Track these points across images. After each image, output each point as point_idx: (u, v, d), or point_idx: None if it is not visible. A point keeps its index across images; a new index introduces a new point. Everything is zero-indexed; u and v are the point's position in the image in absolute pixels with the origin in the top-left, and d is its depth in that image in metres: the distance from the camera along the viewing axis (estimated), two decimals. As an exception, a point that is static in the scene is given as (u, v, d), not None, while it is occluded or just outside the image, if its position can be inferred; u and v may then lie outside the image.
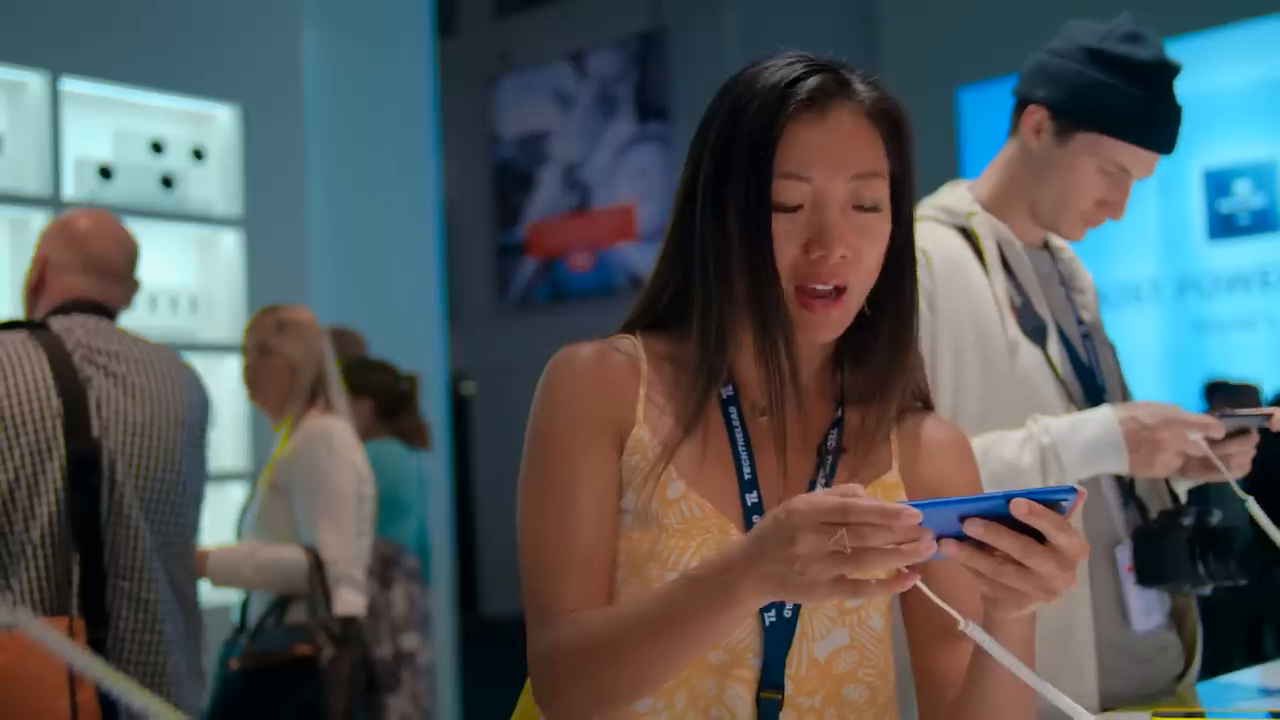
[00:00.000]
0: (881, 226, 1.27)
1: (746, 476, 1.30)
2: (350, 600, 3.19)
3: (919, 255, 1.93)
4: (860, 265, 1.26)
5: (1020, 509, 1.01)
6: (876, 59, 8.33)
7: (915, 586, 1.30)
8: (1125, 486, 1.99)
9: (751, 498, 1.29)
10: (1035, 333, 1.98)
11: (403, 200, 6.01)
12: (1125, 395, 2.11)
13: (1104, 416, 1.88)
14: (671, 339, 1.36)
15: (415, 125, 6.05)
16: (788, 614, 1.27)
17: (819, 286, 1.25)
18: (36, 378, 2.39)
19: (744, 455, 1.31)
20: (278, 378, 3.36)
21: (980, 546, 1.04)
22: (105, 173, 4.68)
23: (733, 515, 1.29)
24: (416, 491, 4.40)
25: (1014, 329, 1.96)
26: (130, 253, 2.66)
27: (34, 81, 4.53)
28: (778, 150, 1.23)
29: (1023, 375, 1.95)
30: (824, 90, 1.24)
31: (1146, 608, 1.97)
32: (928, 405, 1.40)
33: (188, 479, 2.55)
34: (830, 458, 1.32)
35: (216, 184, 5.06)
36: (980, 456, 1.88)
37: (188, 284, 5.02)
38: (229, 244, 5.08)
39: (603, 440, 1.30)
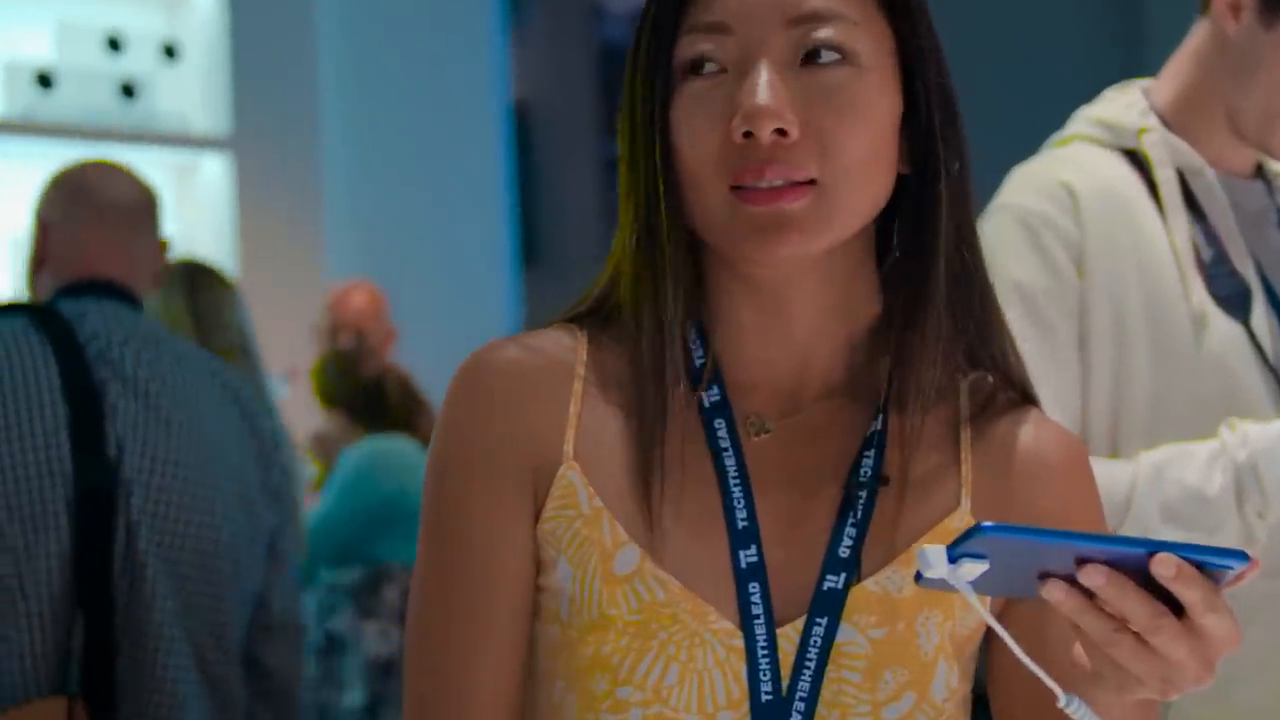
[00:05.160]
0: (859, 86, 1.21)
1: (741, 524, 1.23)
2: None
3: (1061, 191, 1.91)
4: (827, 146, 1.20)
5: (1165, 567, 1.00)
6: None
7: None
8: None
9: (748, 555, 1.23)
10: (1234, 299, 1.95)
11: (456, 106, 6.08)
12: (1372, 388, 2.03)
13: (1330, 421, 1.83)
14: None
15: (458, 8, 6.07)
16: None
17: (755, 184, 1.20)
18: (40, 379, 2.47)
19: (737, 492, 1.24)
20: None
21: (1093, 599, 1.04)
22: (44, 80, 4.83)
23: (715, 591, 1.22)
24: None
25: (1201, 294, 1.94)
26: (141, 195, 2.76)
27: (-51, -37, 4.67)
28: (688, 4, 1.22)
29: (1214, 360, 1.92)
30: None
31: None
32: (1027, 397, 1.32)
33: (224, 526, 2.61)
34: (863, 495, 1.25)
35: (195, 92, 5.19)
36: (1151, 478, 1.86)
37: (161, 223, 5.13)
38: (212, 171, 5.22)
39: (516, 486, 1.27)
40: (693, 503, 1.24)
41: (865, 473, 1.25)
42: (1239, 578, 1.02)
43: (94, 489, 2.46)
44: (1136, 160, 1.98)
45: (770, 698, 1.20)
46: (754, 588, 1.22)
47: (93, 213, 2.69)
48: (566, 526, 1.24)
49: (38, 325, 2.52)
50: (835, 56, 1.20)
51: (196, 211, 5.23)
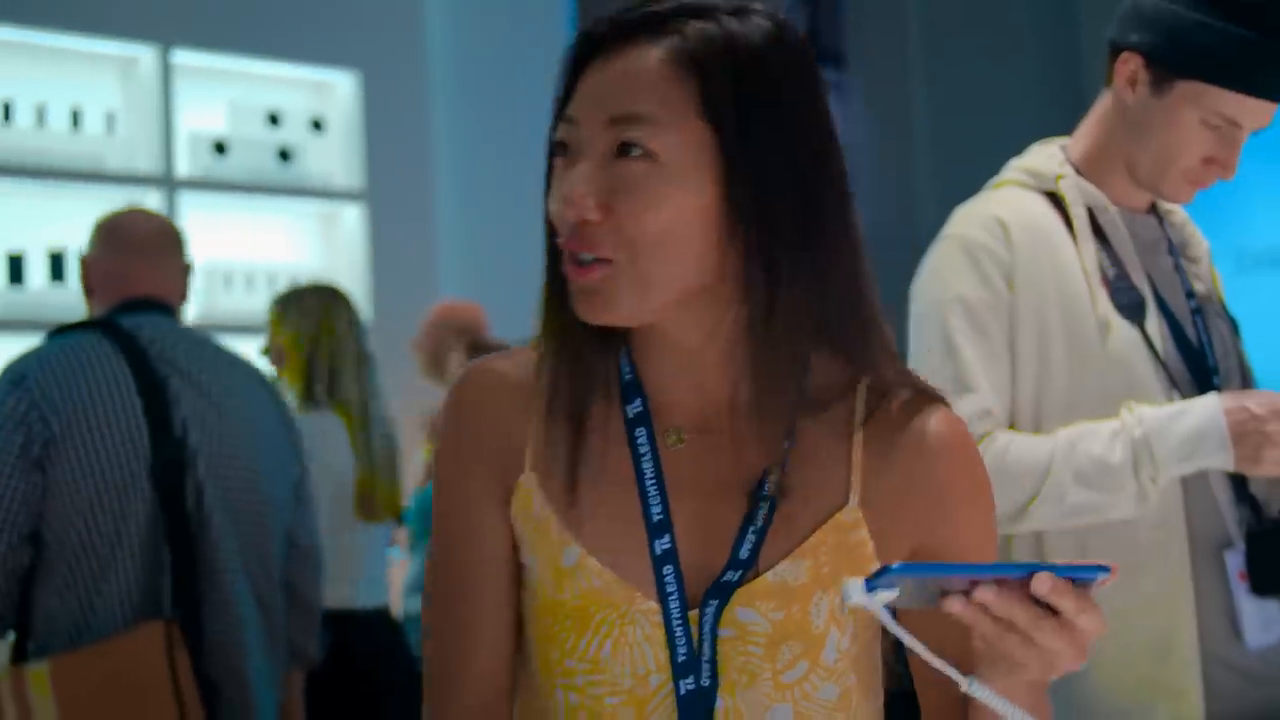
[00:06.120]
0: (656, 180, 1.12)
1: (656, 518, 1.17)
2: None
3: (995, 224, 1.91)
4: (623, 230, 1.12)
5: (1041, 585, 1.00)
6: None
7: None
8: (1238, 482, 1.93)
9: (662, 543, 1.16)
10: (1131, 308, 1.93)
11: (540, 166, 6.07)
12: (1246, 379, 2.03)
13: (1207, 405, 1.83)
14: None
15: (552, 85, 6.09)
16: (705, 682, 1.16)
17: (577, 254, 1.14)
18: (117, 377, 2.53)
19: (653, 490, 1.18)
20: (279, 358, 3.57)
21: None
22: (220, 148, 4.87)
23: (639, 575, 1.17)
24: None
25: (1105, 305, 1.92)
26: (163, 229, 2.82)
27: (145, 56, 4.75)
28: (571, 95, 1.17)
29: (1116, 357, 1.90)
30: (619, 27, 1.15)
31: (1264, 620, 1.90)
32: (924, 393, 1.23)
33: (263, 480, 2.69)
34: (766, 504, 1.17)
35: (337, 156, 5.23)
36: (1066, 450, 1.84)
37: (308, 262, 5.19)
38: (351, 219, 5.24)
39: (492, 487, 1.22)
40: (621, 502, 1.19)
41: (766, 488, 1.18)
42: (1103, 583, 1.02)
43: (168, 460, 2.51)
44: (1055, 200, 1.96)
45: (685, 657, 1.16)
46: (668, 570, 1.17)
47: (121, 247, 2.73)
48: (526, 524, 1.21)
49: (107, 336, 2.57)
50: (640, 152, 1.12)
51: (338, 250, 5.26)
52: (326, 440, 3.42)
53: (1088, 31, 5.16)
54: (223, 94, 5.00)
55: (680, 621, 1.16)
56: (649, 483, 1.18)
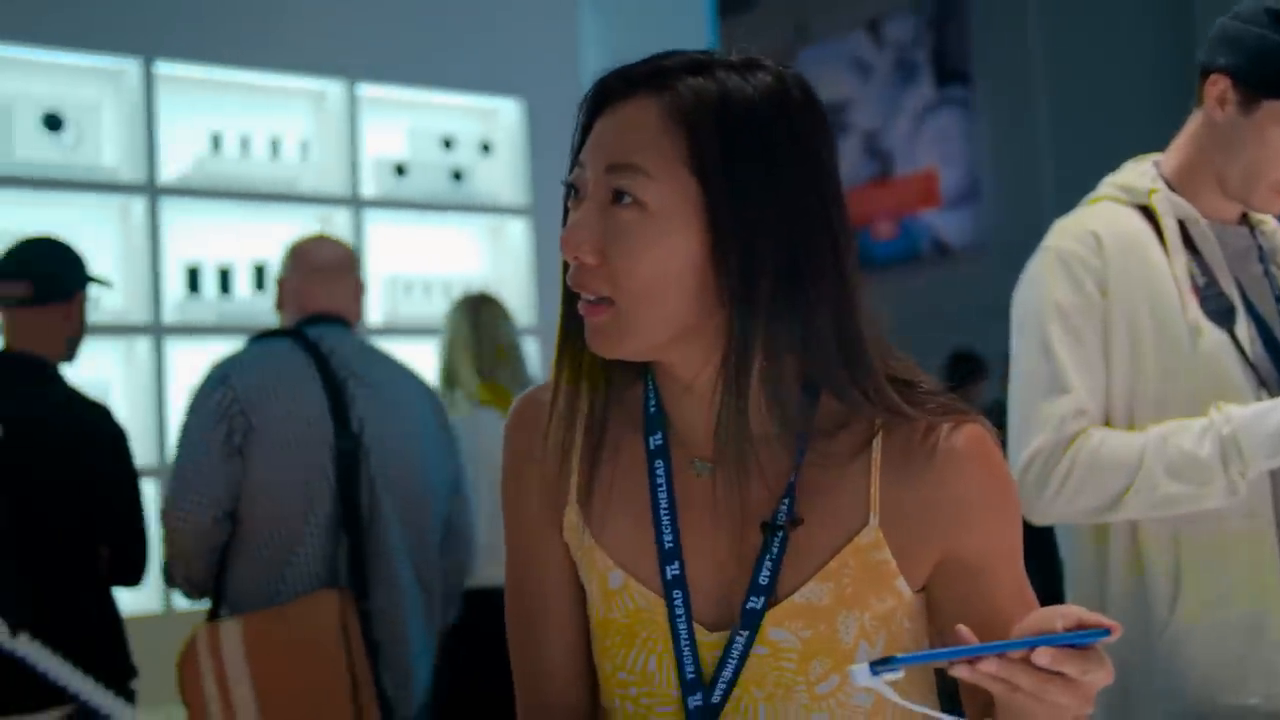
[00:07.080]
0: (644, 228, 1.10)
1: (668, 545, 1.16)
2: None
3: (1090, 236, 1.91)
4: (615, 274, 1.11)
5: (1042, 658, 0.98)
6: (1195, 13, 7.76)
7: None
8: (1325, 475, 1.87)
9: (672, 569, 1.16)
10: (1220, 314, 1.91)
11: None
12: (1336, 379, 1.97)
13: (1292, 404, 1.78)
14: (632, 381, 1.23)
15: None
16: (715, 699, 1.14)
17: (582, 295, 1.14)
18: (306, 378, 2.70)
19: (665, 520, 1.17)
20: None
21: None
22: (399, 170, 5.02)
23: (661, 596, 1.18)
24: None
25: (1195, 311, 1.90)
26: (344, 256, 2.98)
27: (333, 89, 4.92)
28: (585, 140, 1.16)
29: (1205, 359, 1.88)
30: (626, 80, 1.14)
31: (1351, 606, 1.85)
32: (951, 411, 1.17)
33: (425, 472, 2.82)
34: (779, 535, 1.15)
35: (504, 175, 5.34)
36: (1158, 445, 1.83)
37: (479, 271, 5.32)
38: (516, 232, 5.35)
39: (551, 515, 1.23)
40: (648, 530, 1.19)
41: (780, 517, 1.16)
42: (1108, 640, 0.99)
43: (348, 453, 2.65)
44: (1148, 213, 1.95)
45: (692, 676, 1.16)
46: (677, 595, 1.17)
47: (305, 270, 2.89)
48: (577, 550, 1.23)
49: (297, 343, 2.73)
50: (630, 201, 1.10)
51: (505, 260, 5.39)
52: (488, 433, 3.51)
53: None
54: (402, 122, 5.16)
55: (688, 642, 1.16)
56: (663, 512, 1.18)
